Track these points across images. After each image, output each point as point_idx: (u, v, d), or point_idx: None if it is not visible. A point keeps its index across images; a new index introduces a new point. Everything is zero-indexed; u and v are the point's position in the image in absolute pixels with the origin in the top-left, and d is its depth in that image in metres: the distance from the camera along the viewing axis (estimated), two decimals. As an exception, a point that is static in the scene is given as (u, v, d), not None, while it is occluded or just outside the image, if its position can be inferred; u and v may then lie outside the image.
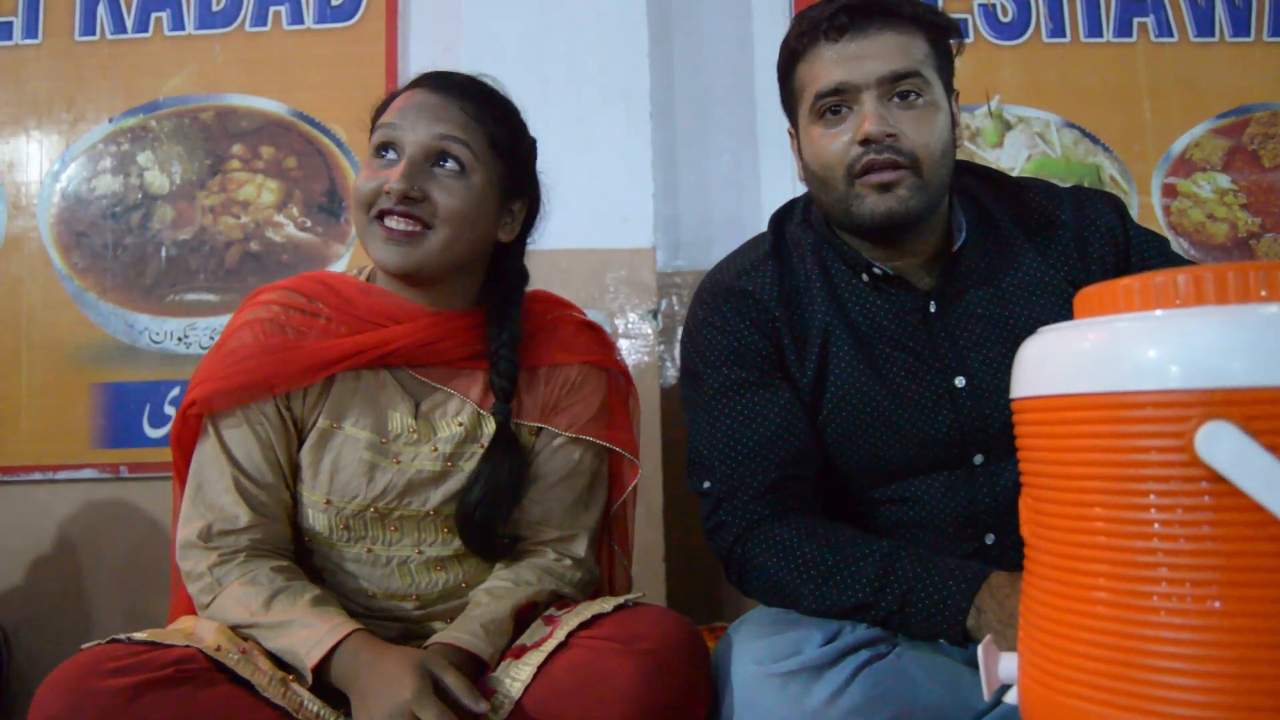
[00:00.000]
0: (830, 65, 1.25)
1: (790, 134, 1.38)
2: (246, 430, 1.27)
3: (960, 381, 1.29)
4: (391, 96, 1.34)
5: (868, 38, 1.23)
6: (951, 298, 1.31)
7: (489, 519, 1.29)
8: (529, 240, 1.43)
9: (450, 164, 1.27)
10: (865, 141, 1.22)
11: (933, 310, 1.31)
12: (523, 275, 1.42)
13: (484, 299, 1.38)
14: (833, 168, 1.26)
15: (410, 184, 1.23)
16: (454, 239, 1.28)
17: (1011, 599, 1.07)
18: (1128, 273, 1.30)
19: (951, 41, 1.30)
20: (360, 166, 1.32)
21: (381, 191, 1.24)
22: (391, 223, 1.25)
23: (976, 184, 1.39)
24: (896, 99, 1.23)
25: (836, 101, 1.25)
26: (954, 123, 1.29)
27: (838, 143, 1.25)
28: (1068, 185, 1.41)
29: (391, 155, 1.27)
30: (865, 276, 1.32)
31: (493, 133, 1.31)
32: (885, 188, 1.23)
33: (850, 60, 1.23)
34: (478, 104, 1.30)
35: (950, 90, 1.30)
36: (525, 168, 1.39)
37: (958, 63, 1.32)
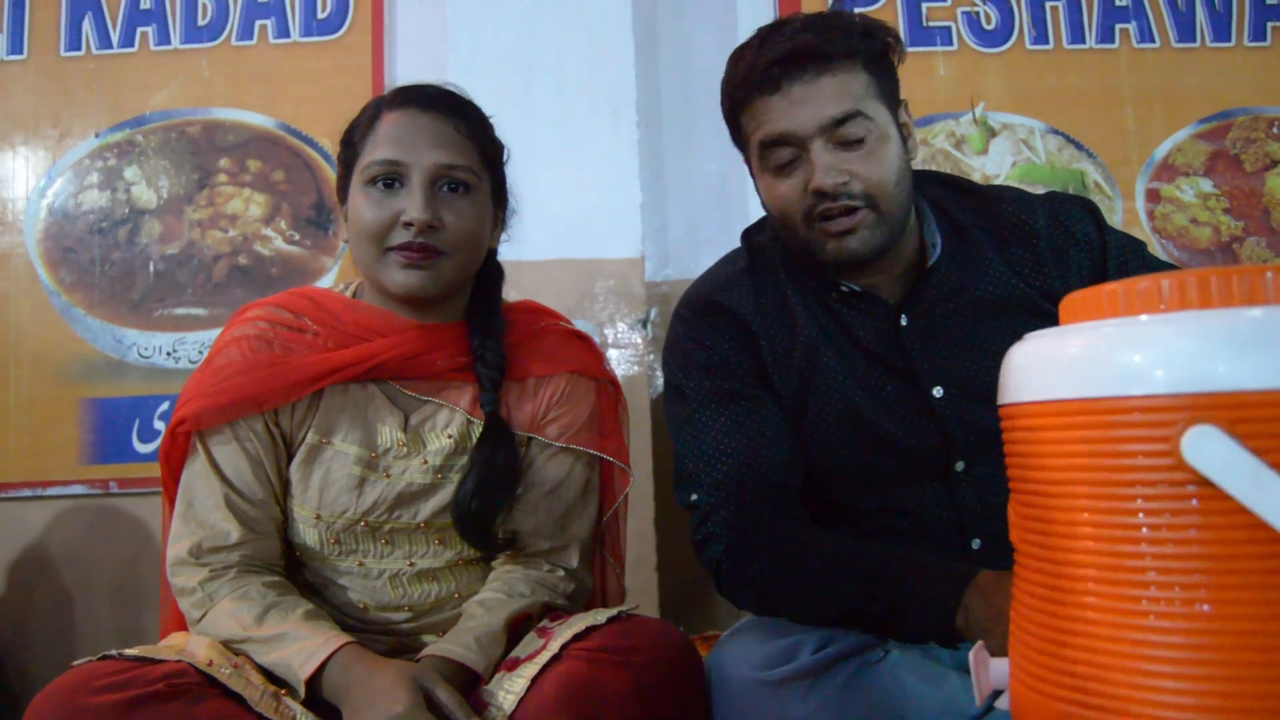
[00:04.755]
0: (770, 116, 1.24)
1: (746, 162, 1.38)
2: (236, 447, 1.27)
3: (938, 391, 1.29)
4: (370, 117, 1.31)
5: (804, 86, 1.22)
6: (922, 311, 1.32)
7: (484, 511, 1.28)
8: (503, 237, 1.43)
9: (457, 187, 1.27)
10: (818, 192, 1.22)
11: (904, 323, 1.31)
12: (500, 272, 1.43)
13: (471, 309, 1.38)
14: (789, 215, 1.27)
15: (432, 215, 1.24)
16: (467, 260, 1.30)
17: (999, 597, 1.07)
18: (1105, 278, 1.30)
19: (893, 54, 1.29)
20: (351, 192, 1.30)
21: (396, 223, 1.24)
22: (410, 252, 1.24)
23: (946, 195, 1.38)
24: (842, 140, 1.22)
25: (782, 151, 1.25)
26: (905, 135, 1.29)
27: (790, 190, 1.25)
28: (1041, 192, 1.42)
29: (395, 185, 1.26)
30: (834, 293, 1.33)
31: (484, 147, 1.32)
32: (845, 232, 1.23)
33: (789, 111, 1.22)
34: (468, 120, 1.31)
35: (897, 104, 1.29)
36: (504, 173, 1.39)
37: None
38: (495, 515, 1.30)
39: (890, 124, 1.26)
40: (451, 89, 1.34)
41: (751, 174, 1.35)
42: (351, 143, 1.32)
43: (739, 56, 1.28)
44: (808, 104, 1.22)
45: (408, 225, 1.24)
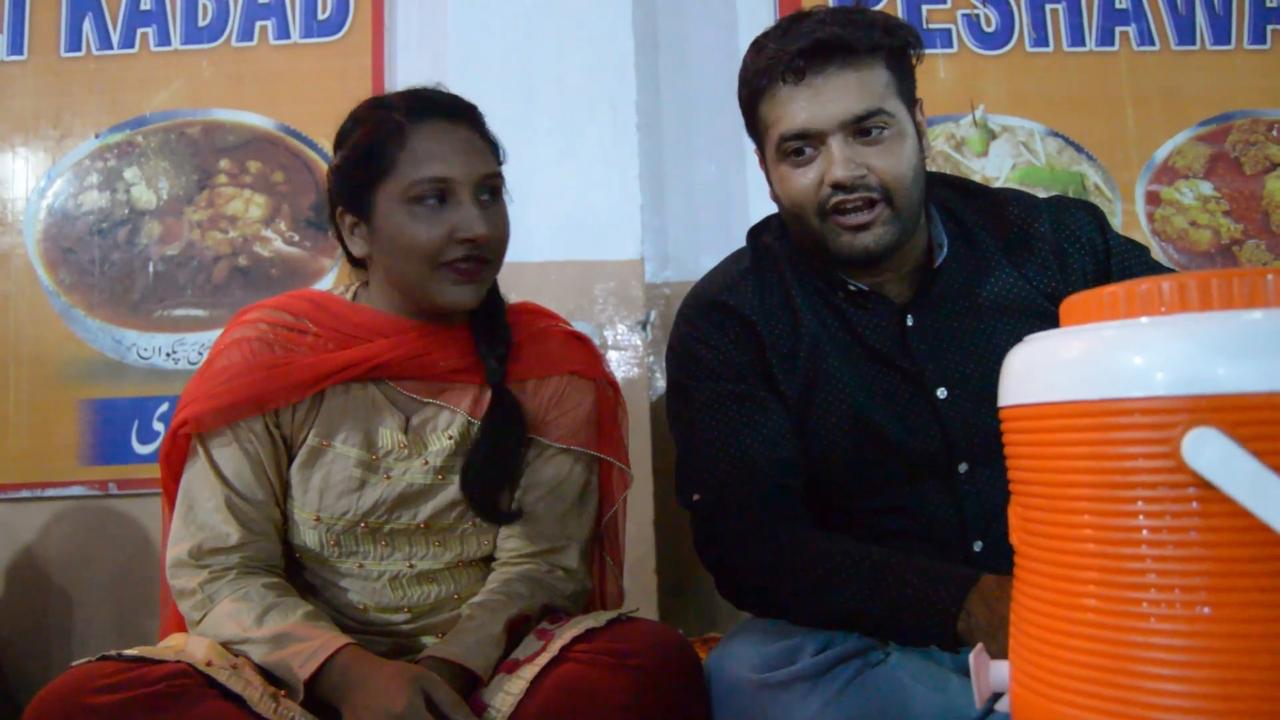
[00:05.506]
0: (792, 109, 1.24)
1: (758, 153, 1.38)
2: (236, 449, 1.27)
3: (942, 392, 1.29)
4: (393, 130, 1.26)
5: (826, 78, 1.22)
6: (928, 311, 1.32)
7: (495, 482, 1.30)
8: None
9: (489, 194, 1.29)
10: (836, 185, 1.23)
11: (910, 324, 1.31)
12: None
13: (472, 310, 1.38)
14: (803, 206, 1.27)
15: (489, 228, 1.25)
16: (501, 263, 1.32)
17: (1001, 602, 1.07)
18: (1108, 282, 1.30)
19: (912, 53, 1.29)
20: (383, 208, 1.26)
21: (450, 239, 1.24)
22: (463, 266, 1.25)
23: (953, 197, 1.39)
24: (862, 135, 1.23)
25: (801, 144, 1.25)
26: (920, 134, 1.30)
27: (806, 181, 1.25)
28: (1047, 196, 1.42)
29: (443, 200, 1.25)
30: (841, 293, 1.33)
31: (497, 148, 1.34)
32: (860, 227, 1.24)
33: (811, 104, 1.22)
34: (483, 124, 1.33)
35: (914, 103, 1.30)
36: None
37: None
38: (505, 484, 1.31)
39: (908, 122, 1.26)
40: (454, 93, 1.34)
41: (762, 165, 1.35)
42: (376, 157, 1.26)
43: (761, 45, 1.28)
44: (830, 97, 1.22)
45: (463, 241, 1.24)
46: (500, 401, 1.32)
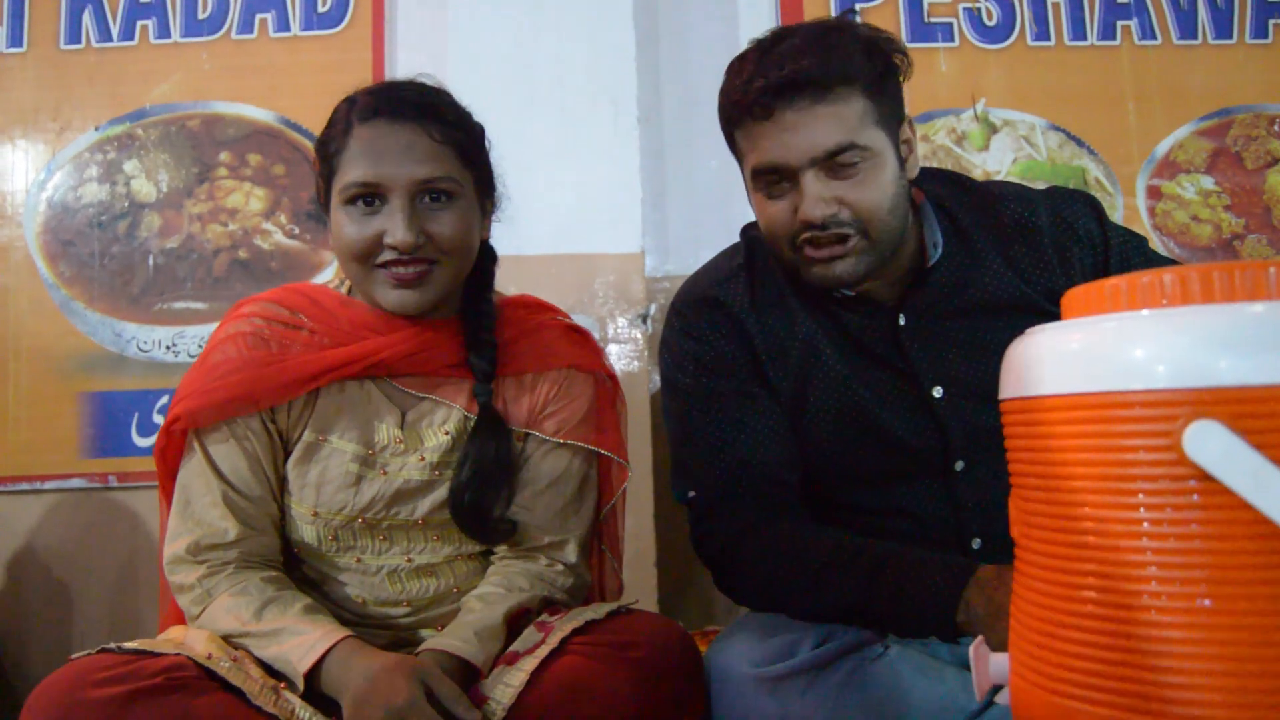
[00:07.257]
0: (763, 144, 1.22)
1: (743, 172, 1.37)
2: (233, 445, 1.26)
3: (938, 391, 1.29)
4: (342, 130, 1.26)
5: (797, 113, 1.18)
6: (920, 311, 1.31)
7: (480, 501, 1.28)
8: (495, 218, 1.41)
9: (439, 196, 1.25)
10: (807, 223, 1.21)
11: (902, 323, 1.31)
12: (493, 258, 1.42)
13: (465, 303, 1.37)
14: (777, 235, 1.26)
15: (415, 235, 1.22)
16: (459, 266, 1.29)
17: (999, 592, 1.07)
18: (1107, 274, 1.30)
19: (899, 68, 1.26)
20: (331, 207, 1.27)
21: (380, 243, 1.23)
22: (398, 270, 1.24)
23: (948, 192, 1.37)
24: (835, 169, 1.20)
25: (774, 178, 1.23)
26: (905, 155, 1.27)
27: (779, 212, 1.24)
28: (1043, 187, 1.41)
29: (376, 203, 1.23)
30: (831, 294, 1.32)
31: (462, 146, 1.28)
32: (832, 258, 1.22)
33: (781, 141, 1.20)
34: (441, 123, 1.26)
35: (898, 122, 1.26)
36: (487, 161, 1.36)
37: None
38: (492, 506, 1.30)
39: (888, 148, 1.23)
40: (424, 82, 1.32)
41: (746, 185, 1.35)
42: (326, 157, 1.28)
43: (736, 71, 1.25)
44: (800, 133, 1.19)
45: (393, 246, 1.22)
46: (486, 424, 1.31)
